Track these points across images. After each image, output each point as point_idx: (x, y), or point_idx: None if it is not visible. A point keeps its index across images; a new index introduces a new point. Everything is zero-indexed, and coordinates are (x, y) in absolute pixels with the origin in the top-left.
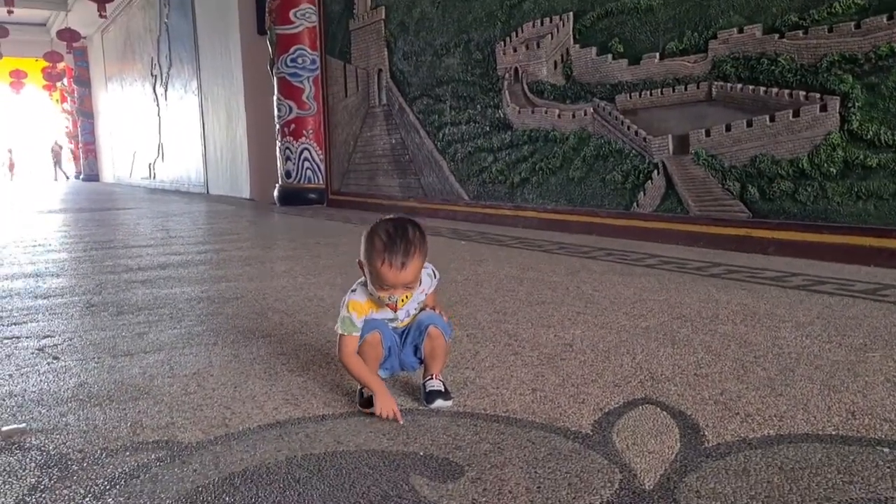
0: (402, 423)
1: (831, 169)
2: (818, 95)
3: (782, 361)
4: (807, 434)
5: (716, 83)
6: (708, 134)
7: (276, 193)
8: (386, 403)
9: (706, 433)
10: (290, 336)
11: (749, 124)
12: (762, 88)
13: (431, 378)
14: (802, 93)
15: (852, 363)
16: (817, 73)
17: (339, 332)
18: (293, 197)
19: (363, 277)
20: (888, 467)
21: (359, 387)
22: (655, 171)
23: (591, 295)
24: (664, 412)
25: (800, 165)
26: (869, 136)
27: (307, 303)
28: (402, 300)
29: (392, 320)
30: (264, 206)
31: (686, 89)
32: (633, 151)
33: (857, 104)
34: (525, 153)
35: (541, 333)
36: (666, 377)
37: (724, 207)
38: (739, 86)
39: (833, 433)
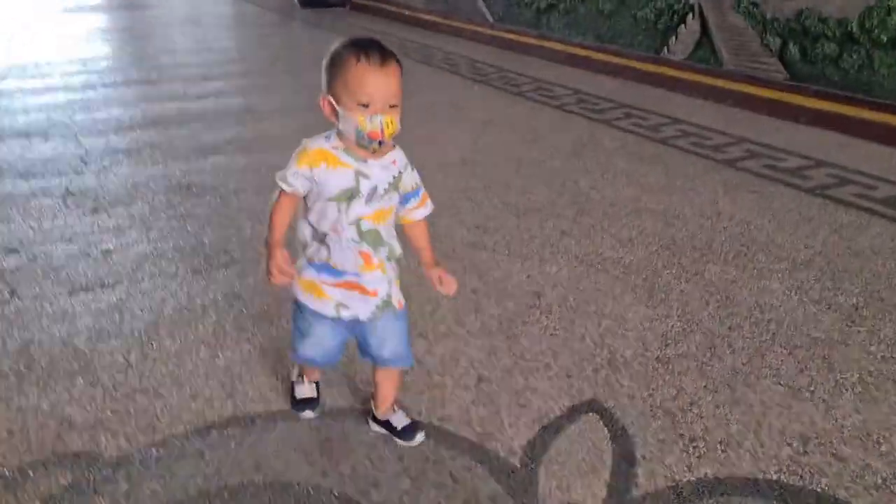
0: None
1: (882, 36)
2: None
3: (757, 338)
4: (746, 479)
5: None
6: None
7: None
8: (272, 268)
9: (639, 471)
10: (253, 265)
11: None
12: None
13: (395, 412)
14: None
15: (833, 343)
16: None
17: (276, 178)
18: None
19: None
20: None
21: (291, 381)
22: (690, 14)
23: (587, 195)
24: (605, 428)
25: (848, 27)
26: None
27: None
28: (388, 125)
29: (356, 195)
30: (283, 3)
31: None
32: None
33: None
34: None
35: (514, 272)
36: (625, 361)
37: (760, 65)
38: None
39: (774, 478)
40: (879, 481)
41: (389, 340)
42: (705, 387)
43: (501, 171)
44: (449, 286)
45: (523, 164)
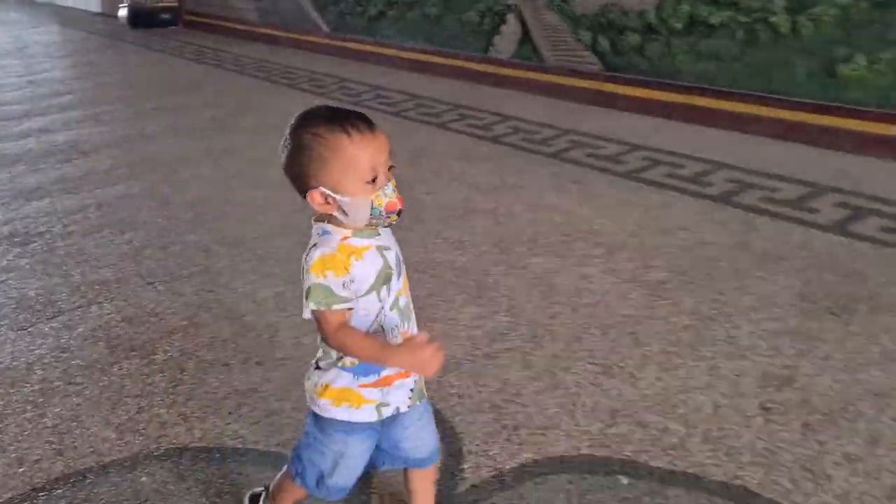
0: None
1: (677, 25)
2: None
3: (575, 322)
4: (561, 457)
5: None
6: None
7: (124, 13)
8: (419, 358)
9: (465, 466)
10: (82, 313)
11: None
12: None
13: None
14: None
15: (640, 319)
16: None
17: (312, 308)
18: (144, 18)
19: (319, 226)
20: None
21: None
22: (510, 14)
23: (422, 202)
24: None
25: (647, 19)
26: None
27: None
28: (396, 189)
29: (390, 273)
30: (113, 25)
31: None
32: None
33: None
34: None
35: None
36: (457, 361)
37: (577, 58)
38: None
39: (585, 452)
40: (676, 441)
41: (426, 436)
42: (528, 376)
43: None
44: None
45: None
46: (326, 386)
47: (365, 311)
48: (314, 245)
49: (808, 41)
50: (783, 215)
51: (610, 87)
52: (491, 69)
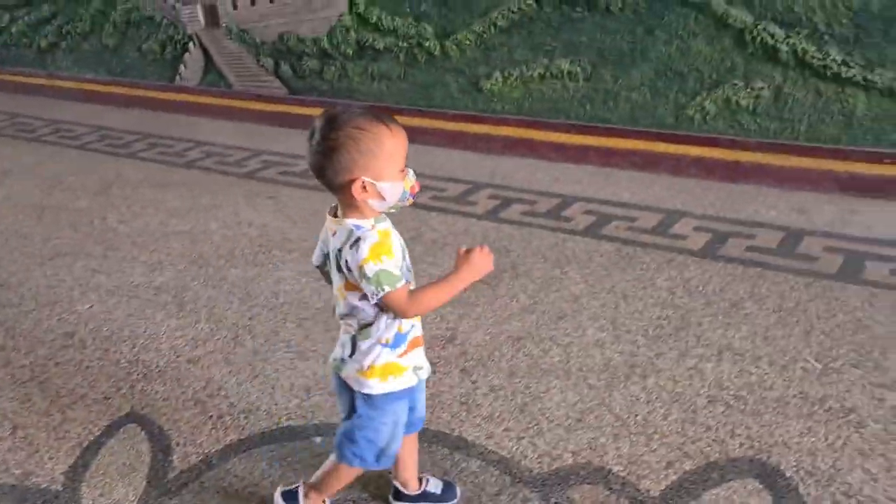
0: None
1: (348, 49)
2: None
3: (273, 320)
4: (262, 434)
5: None
6: (235, 6)
7: None
8: (475, 264)
9: (174, 457)
10: None
11: (271, 0)
12: None
13: (428, 480)
14: None
15: (329, 309)
16: None
17: (387, 290)
18: None
19: (347, 222)
20: (313, 462)
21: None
22: (192, 43)
23: (115, 230)
24: (143, 432)
25: (321, 45)
26: (374, 20)
27: None
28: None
29: (405, 245)
30: None
31: None
32: (166, 21)
33: None
34: (46, 14)
35: (43, 319)
36: (160, 370)
37: (262, 83)
38: None
39: (286, 425)
40: None
41: (423, 395)
42: (230, 371)
43: (21, 222)
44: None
45: (46, 211)
46: (371, 366)
47: None
48: (357, 239)
49: (456, 62)
50: (449, 210)
51: (295, 109)
52: (180, 97)
